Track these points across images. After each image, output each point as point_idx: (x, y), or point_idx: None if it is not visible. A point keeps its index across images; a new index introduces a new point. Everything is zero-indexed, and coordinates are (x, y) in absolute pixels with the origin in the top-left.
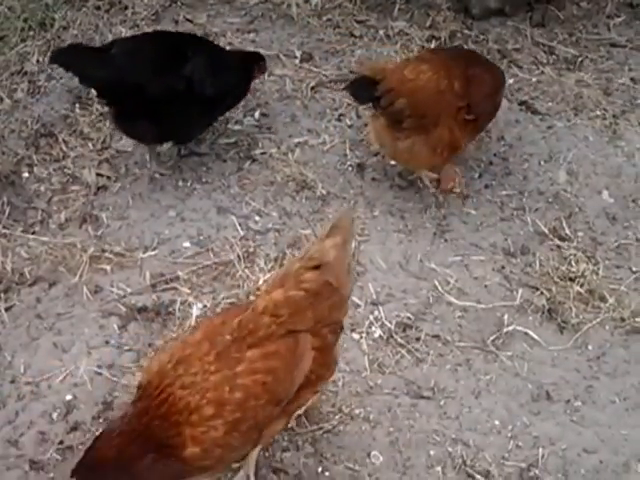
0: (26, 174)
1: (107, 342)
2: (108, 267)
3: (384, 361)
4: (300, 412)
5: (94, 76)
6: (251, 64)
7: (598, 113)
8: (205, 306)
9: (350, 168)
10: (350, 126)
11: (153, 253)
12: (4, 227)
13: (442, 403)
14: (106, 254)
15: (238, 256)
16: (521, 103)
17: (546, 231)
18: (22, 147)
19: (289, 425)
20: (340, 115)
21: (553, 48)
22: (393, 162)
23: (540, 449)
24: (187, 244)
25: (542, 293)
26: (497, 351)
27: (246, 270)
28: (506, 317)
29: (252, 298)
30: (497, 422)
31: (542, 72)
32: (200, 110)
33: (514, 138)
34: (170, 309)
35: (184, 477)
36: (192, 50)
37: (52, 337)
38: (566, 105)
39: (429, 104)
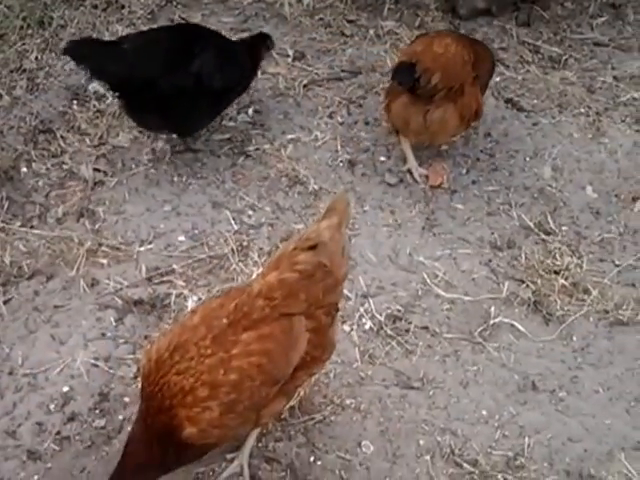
0: (25, 169)
1: (104, 334)
2: (105, 261)
3: (374, 352)
4: (294, 403)
5: (106, 71)
6: (258, 47)
7: (582, 110)
8: (200, 299)
9: (341, 164)
10: (341, 123)
11: (149, 247)
12: (3, 221)
13: (431, 393)
14: (103, 248)
15: (232, 250)
16: (507, 101)
17: (531, 225)
18: (21, 143)
19: (286, 408)
20: (332, 112)
21: (538, 47)
22: (404, 140)
23: (526, 438)
24: (182, 238)
25: (528, 286)
26: (484, 342)
27: (240, 263)
28: (493, 309)
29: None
30: (484, 412)
31: (528, 70)
32: (209, 103)
33: (500, 135)
34: (165, 302)
35: (196, 458)
36: (200, 45)
37: (49, 329)
38: (551, 102)
39: (458, 75)
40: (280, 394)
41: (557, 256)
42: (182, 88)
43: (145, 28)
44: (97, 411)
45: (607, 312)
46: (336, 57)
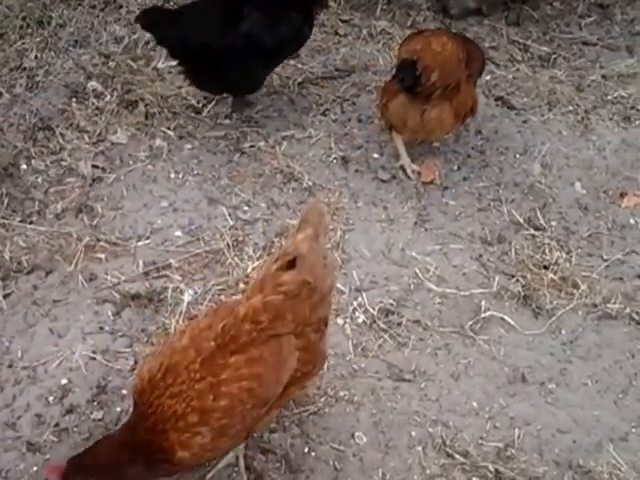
0: (24, 166)
1: (101, 328)
2: (103, 256)
3: (367, 345)
4: None
5: (166, 38)
6: (310, 5)
7: (571, 108)
8: (196, 293)
9: (335, 161)
10: (335, 120)
11: (146, 242)
12: (3, 217)
13: (423, 386)
14: (101, 243)
15: (228, 245)
16: (497, 99)
17: (521, 221)
18: (20, 140)
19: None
20: (325, 110)
21: (528, 46)
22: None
23: (516, 429)
24: (179, 233)
25: (518, 280)
26: (475, 336)
27: (235, 258)
28: (483, 303)
29: (242, 286)
30: (475, 404)
31: (517, 69)
32: (260, 61)
33: (491, 132)
34: (162, 296)
35: (172, 474)
36: (250, 7)
37: (48, 323)
38: (540, 101)
39: (454, 73)
40: (271, 408)
41: (546, 251)
42: (234, 49)
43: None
44: (95, 403)
45: (595, 306)
46: (330, 56)
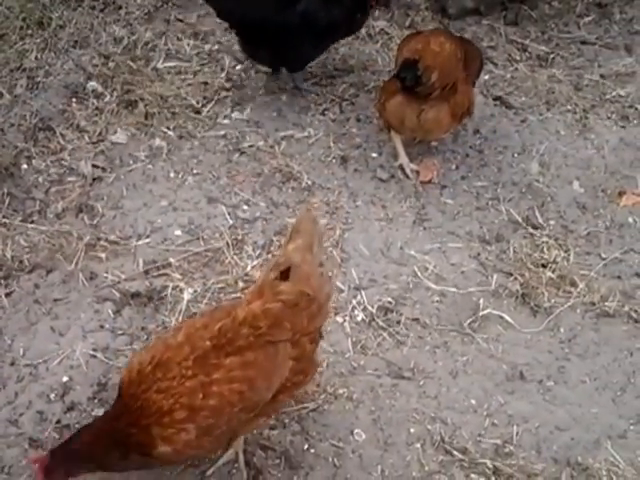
0: (25, 166)
1: (102, 326)
2: (103, 255)
3: (366, 343)
4: None
5: (225, 11)
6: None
7: (569, 107)
8: (196, 291)
9: (334, 160)
10: (333, 120)
11: (146, 241)
12: (4, 217)
13: (421, 383)
14: (101, 242)
15: (227, 244)
16: (496, 98)
17: (520, 220)
18: (21, 140)
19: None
20: (324, 110)
21: (526, 46)
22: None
23: (514, 427)
24: (178, 232)
25: (516, 279)
26: (473, 333)
27: (235, 257)
28: (482, 301)
29: (241, 285)
30: (473, 401)
31: (516, 69)
32: (314, 40)
33: (489, 131)
34: (162, 294)
35: (150, 467)
36: None
37: (50, 321)
38: (539, 100)
39: (452, 73)
40: (260, 415)
41: (544, 250)
42: (288, 26)
43: (142, 28)
44: (96, 400)
45: (593, 304)
46: (329, 56)
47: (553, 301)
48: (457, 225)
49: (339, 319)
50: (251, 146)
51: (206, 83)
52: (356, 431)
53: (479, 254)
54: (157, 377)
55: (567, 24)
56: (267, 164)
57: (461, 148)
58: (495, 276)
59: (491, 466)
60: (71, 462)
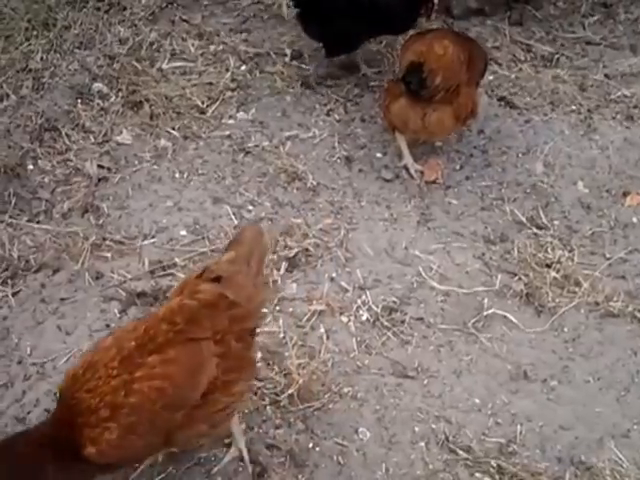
0: (31, 166)
1: (108, 325)
2: (109, 254)
3: (371, 343)
4: (292, 388)
5: None
6: (418, 2)
7: (573, 108)
8: None
9: (338, 160)
10: (338, 120)
11: (151, 241)
12: (10, 217)
13: (426, 382)
14: (107, 242)
15: None
16: (500, 98)
17: (524, 220)
18: (27, 141)
19: (212, 434)
20: (329, 110)
21: (531, 46)
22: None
23: (518, 426)
24: (184, 232)
25: (520, 278)
26: (477, 333)
27: None
28: (486, 301)
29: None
30: (477, 400)
31: (520, 69)
32: (358, 27)
33: (493, 132)
34: (168, 294)
35: (92, 476)
36: None
37: (56, 321)
38: (543, 100)
39: (455, 76)
40: (196, 420)
41: (549, 249)
42: (338, 5)
43: (147, 29)
44: None
45: (598, 304)
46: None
47: (557, 301)
48: (461, 225)
49: (344, 319)
50: (256, 146)
51: (211, 83)
52: (361, 430)
53: (483, 254)
54: (87, 378)
55: (572, 24)
56: (272, 164)
57: (465, 148)
58: (499, 276)
59: (495, 465)
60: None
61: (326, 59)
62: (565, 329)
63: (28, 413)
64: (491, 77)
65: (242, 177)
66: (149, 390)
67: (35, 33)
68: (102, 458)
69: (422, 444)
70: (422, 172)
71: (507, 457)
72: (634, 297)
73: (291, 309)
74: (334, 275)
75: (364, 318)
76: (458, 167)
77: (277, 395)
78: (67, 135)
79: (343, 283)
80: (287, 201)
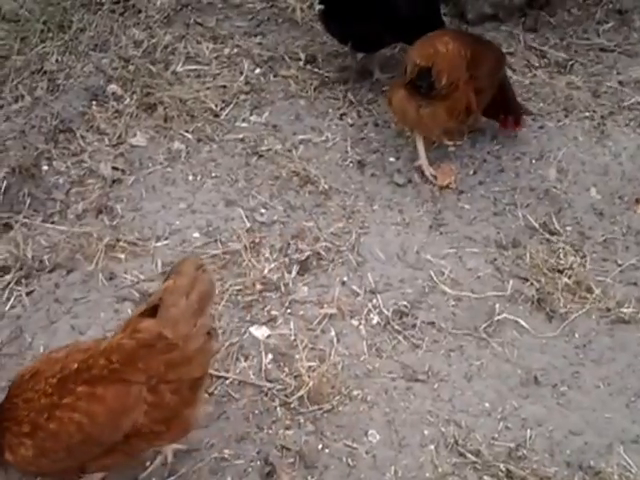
0: (46, 167)
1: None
2: (122, 255)
3: (381, 346)
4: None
5: None
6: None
7: (587, 114)
8: None
9: (351, 164)
10: (351, 125)
11: (165, 242)
12: (25, 217)
13: (436, 386)
14: (120, 243)
15: (245, 246)
16: None
17: (536, 225)
18: (42, 142)
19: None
20: (342, 114)
21: (545, 52)
22: (408, 132)
23: (528, 430)
24: (196, 234)
25: (532, 284)
26: (488, 338)
27: (252, 260)
28: (497, 306)
29: (258, 287)
30: (487, 404)
31: (534, 75)
32: (377, 32)
33: (507, 137)
34: None
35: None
36: None
37: (70, 320)
38: (557, 106)
39: (455, 71)
40: (114, 452)
41: (561, 255)
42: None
43: (161, 32)
44: None
45: (609, 310)
46: (346, 60)
47: (569, 307)
48: (474, 230)
49: (354, 322)
50: (269, 149)
51: (225, 86)
52: (370, 432)
53: (495, 259)
54: (29, 387)
55: (586, 31)
56: (285, 167)
57: (479, 153)
58: (511, 281)
59: (504, 469)
60: None
61: (340, 63)
62: (576, 335)
63: None
64: None
65: (255, 180)
66: (69, 422)
67: (50, 35)
68: (18, 468)
69: (431, 447)
70: (435, 177)
71: (516, 461)
72: None
73: (302, 312)
74: (345, 279)
75: (375, 322)
76: (471, 172)
77: (287, 397)
78: (82, 136)
79: (354, 287)
80: (299, 204)
